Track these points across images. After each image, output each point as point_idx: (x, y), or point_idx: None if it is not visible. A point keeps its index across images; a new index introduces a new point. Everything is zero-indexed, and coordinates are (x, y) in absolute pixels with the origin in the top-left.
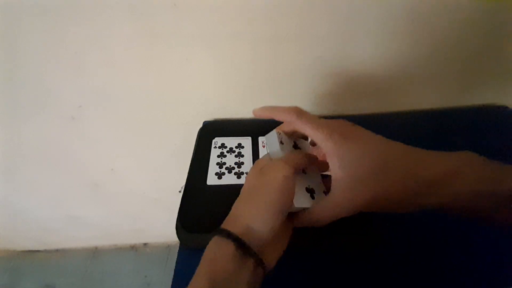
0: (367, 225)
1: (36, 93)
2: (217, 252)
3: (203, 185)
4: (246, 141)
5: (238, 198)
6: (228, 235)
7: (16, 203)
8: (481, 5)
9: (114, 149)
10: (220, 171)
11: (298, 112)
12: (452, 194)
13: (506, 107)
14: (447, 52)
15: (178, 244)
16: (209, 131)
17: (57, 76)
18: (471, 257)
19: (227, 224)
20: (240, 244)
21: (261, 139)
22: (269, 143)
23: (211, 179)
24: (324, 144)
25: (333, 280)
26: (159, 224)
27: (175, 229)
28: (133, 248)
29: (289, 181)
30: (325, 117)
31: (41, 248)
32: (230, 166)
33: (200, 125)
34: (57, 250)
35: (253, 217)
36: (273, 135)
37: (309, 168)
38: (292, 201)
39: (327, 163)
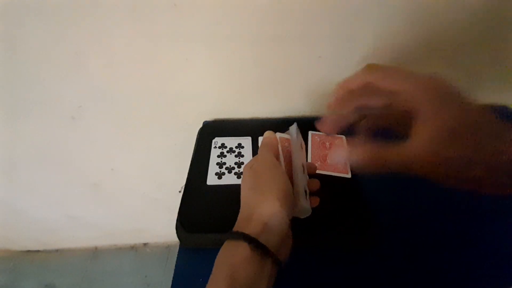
0: (367, 224)
1: (36, 93)
2: (235, 256)
3: (203, 185)
4: (246, 141)
5: (242, 203)
6: (244, 237)
7: (16, 203)
8: (481, 5)
9: (114, 149)
10: (220, 171)
11: (375, 69)
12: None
13: (506, 107)
14: (447, 52)
15: (178, 244)
16: (209, 131)
17: (57, 76)
18: (471, 257)
19: (239, 227)
20: (258, 246)
21: (261, 139)
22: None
23: (211, 179)
24: (418, 97)
25: (333, 280)
26: (159, 224)
27: (175, 229)
28: (133, 248)
29: (278, 166)
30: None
31: (41, 248)
32: (230, 166)
33: (200, 125)
34: (57, 250)
35: (269, 210)
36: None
37: (305, 169)
38: (289, 185)
39: (314, 165)
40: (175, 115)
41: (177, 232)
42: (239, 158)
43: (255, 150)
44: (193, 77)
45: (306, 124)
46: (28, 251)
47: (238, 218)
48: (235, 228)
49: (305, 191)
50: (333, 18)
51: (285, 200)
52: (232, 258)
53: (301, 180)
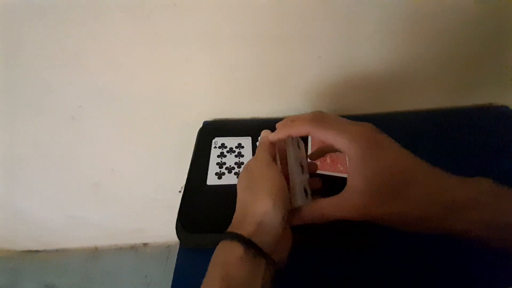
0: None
1: (36, 93)
2: (228, 256)
3: (203, 185)
4: (246, 141)
5: (237, 203)
6: (237, 237)
7: (16, 203)
8: (480, 5)
9: (114, 149)
10: (220, 171)
11: (315, 121)
12: (469, 223)
13: (506, 107)
14: (447, 52)
15: (178, 244)
16: (209, 131)
17: (57, 76)
18: (471, 257)
19: (234, 227)
20: (251, 246)
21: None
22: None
23: (211, 179)
24: (347, 148)
25: (333, 279)
26: (159, 224)
27: (175, 229)
28: (133, 248)
29: (272, 165)
30: None
31: (41, 248)
32: (230, 166)
33: (200, 125)
34: (57, 250)
35: (263, 209)
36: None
37: (305, 168)
38: (284, 184)
39: (315, 164)
40: (175, 115)
41: (177, 232)
42: (239, 158)
43: (255, 150)
44: (193, 77)
45: None
46: (28, 251)
47: (233, 218)
48: (229, 228)
49: (305, 190)
50: (333, 18)
51: (278, 199)
52: (225, 258)
53: (298, 178)
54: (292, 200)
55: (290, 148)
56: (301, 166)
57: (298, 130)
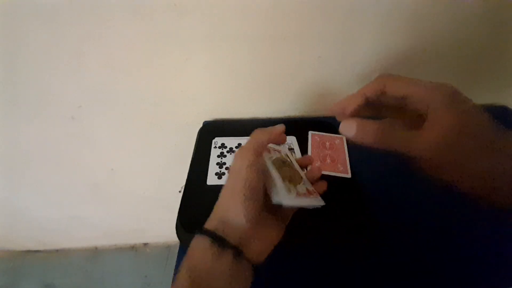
0: (367, 224)
1: (36, 93)
2: (194, 247)
3: (203, 185)
4: (246, 141)
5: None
6: (202, 230)
7: (16, 203)
8: (481, 5)
9: (114, 149)
10: (220, 171)
11: (390, 75)
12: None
13: (506, 107)
14: (447, 52)
15: (178, 244)
16: (209, 131)
17: (57, 76)
18: (471, 257)
19: (207, 223)
20: (215, 237)
21: None
22: None
23: (211, 179)
24: (430, 94)
25: (333, 279)
26: (159, 224)
27: (175, 229)
28: (133, 248)
29: (252, 168)
30: (327, 117)
31: (41, 248)
32: (230, 166)
33: (200, 125)
34: (57, 250)
35: (226, 208)
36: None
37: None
38: (262, 186)
39: (318, 168)
40: (175, 115)
41: (177, 232)
42: None
43: None
44: (193, 77)
45: (306, 124)
46: (28, 251)
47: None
48: (205, 224)
49: (292, 184)
50: (333, 18)
51: (246, 197)
52: (192, 249)
53: (277, 173)
54: (271, 196)
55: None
56: (284, 160)
57: (373, 87)
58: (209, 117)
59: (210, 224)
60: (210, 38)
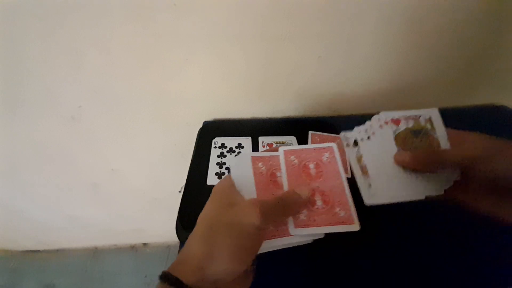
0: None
1: (36, 93)
2: None
3: (203, 185)
4: (246, 141)
5: (194, 233)
6: (174, 282)
7: (16, 203)
8: (480, 6)
9: (114, 149)
10: (220, 171)
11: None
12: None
13: (506, 107)
14: (447, 53)
15: (178, 244)
16: (209, 131)
17: (57, 76)
18: (472, 257)
19: (175, 267)
20: None
21: (261, 139)
22: (239, 164)
23: (211, 179)
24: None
25: (332, 279)
26: (159, 224)
27: (175, 229)
28: (133, 248)
29: (261, 232)
30: (327, 117)
31: (41, 248)
32: (230, 166)
33: (200, 125)
34: (57, 250)
35: (210, 259)
36: (245, 157)
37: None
38: (258, 250)
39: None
40: (175, 115)
41: (177, 232)
42: None
43: (255, 150)
44: (193, 77)
45: (306, 124)
46: (28, 251)
47: (180, 252)
48: (171, 266)
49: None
50: (333, 18)
51: (242, 258)
52: None
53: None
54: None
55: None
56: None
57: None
58: (209, 117)
59: (185, 273)
60: (210, 38)
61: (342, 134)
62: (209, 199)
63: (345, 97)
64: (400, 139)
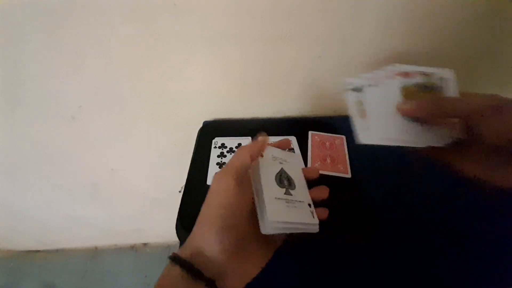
0: (367, 224)
1: (36, 93)
2: (166, 276)
3: (203, 185)
4: (246, 141)
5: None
6: (175, 259)
7: (16, 203)
8: (480, 4)
9: (114, 149)
10: None
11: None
12: None
13: None
14: (447, 52)
15: (178, 244)
16: (209, 131)
17: (57, 76)
18: (472, 257)
19: (182, 248)
20: (188, 268)
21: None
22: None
23: (211, 179)
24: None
25: (333, 279)
26: (159, 224)
27: (175, 229)
28: (133, 248)
29: (229, 193)
30: (327, 117)
31: (41, 248)
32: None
33: (200, 125)
34: (57, 250)
35: (200, 237)
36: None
37: (295, 181)
38: (243, 212)
39: (315, 170)
40: (175, 115)
41: (177, 232)
42: None
43: None
44: (193, 77)
45: (306, 124)
46: (28, 251)
47: (186, 239)
48: (178, 250)
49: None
50: (333, 18)
51: (224, 224)
52: (163, 279)
53: (268, 195)
54: (260, 224)
55: (262, 163)
56: (285, 180)
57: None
58: (209, 117)
59: (184, 252)
60: (210, 38)
61: (347, 79)
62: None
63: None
64: (408, 92)
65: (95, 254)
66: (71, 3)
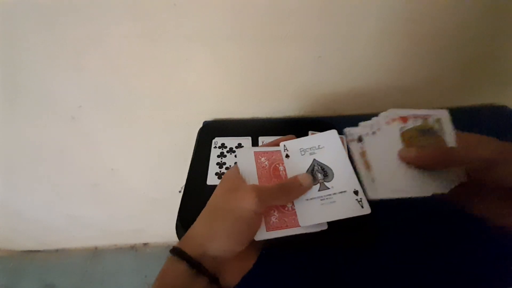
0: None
1: (36, 93)
2: (168, 269)
3: (203, 185)
4: (246, 141)
5: (200, 215)
6: (180, 253)
7: (16, 203)
8: (480, 5)
9: (114, 149)
10: (220, 171)
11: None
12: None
13: (506, 107)
14: (447, 52)
15: None
16: (209, 131)
17: (57, 76)
18: (471, 257)
19: (183, 242)
20: (192, 264)
21: (261, 139)
22: (242, 158)
23: (211, 179)
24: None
25: (333, 279)
26: (159, 224)
27: (175, 229)
28: (133, 248)
29: (258, 218)
30: (327, 117)
31: (41, 248)
32: (230, 166)
33: (200, 125)
34: (57, 250)
35: (210, 238)
36: (248, 153)
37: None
38: (256, 234)
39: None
40: (175, 115)
41: (177, 232)
42: None
43: None
44: (193, 77)
45: (306, 124)
46: (28, 251)
47: (186, 233)
48: (178, 243)
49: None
50: (333, 18)
51: (240, 238)
52: (166, 271)
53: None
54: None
55: (288, 165)
56: (319, 172)
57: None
58: (209, 117)
59: (189, 247)
60: (210, 38)
61: (347, 129)
62: (218, 185)
63: (345, 97)
64: (407, 137)
65: (95, 254)
66: (71, 3)
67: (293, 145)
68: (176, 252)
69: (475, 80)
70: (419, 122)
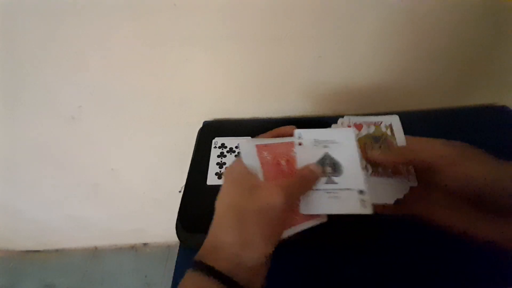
0: (367, 224)
1: (36, 93)
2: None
3: (203, 185)
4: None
5: (220, 222)
6: (207, 269)
7: (16, 203)
8: (479, 5)
9: (114, 149)
10: (220, 171)
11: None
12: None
13: (506, 107)
14: (447, 52)
15: (178, 244)
16: (209, 131)
17: (57, 76)
18: (471, 257)
19: (206, 256)
20: (223, 279)
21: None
22: (246, 153)
23: (211, 179)
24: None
25: (333, 279)
26: (159, 224)
27: (175, 229)
28: (133, 248)
29: (287, 214)
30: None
31: (41, 248)
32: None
33: (200, 125)
34: (57, 250)
35: (244, 246)
36: (250, 145)
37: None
38: (280, 223)
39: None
40: (175, 115)
41: (177, 232)
42: None
43: None
44: (193, 77)
45: (306, 124)
46: (28, 251)
47: (205, 243)
48: (199, 256)
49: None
50: (333, 18)
51: (273, 240)
52: None
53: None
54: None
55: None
56: (329, 166)
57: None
58: (209, 117)
59: (218, 260)
60: (210, 38)
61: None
62: (225, 183)
63: (345, 97)
64: (362, 143)
65: (95, 254)
66: (71, 3)
67: (308, 134)
68: (201, 267)
69: (475, 80)
70: (372, 129)
